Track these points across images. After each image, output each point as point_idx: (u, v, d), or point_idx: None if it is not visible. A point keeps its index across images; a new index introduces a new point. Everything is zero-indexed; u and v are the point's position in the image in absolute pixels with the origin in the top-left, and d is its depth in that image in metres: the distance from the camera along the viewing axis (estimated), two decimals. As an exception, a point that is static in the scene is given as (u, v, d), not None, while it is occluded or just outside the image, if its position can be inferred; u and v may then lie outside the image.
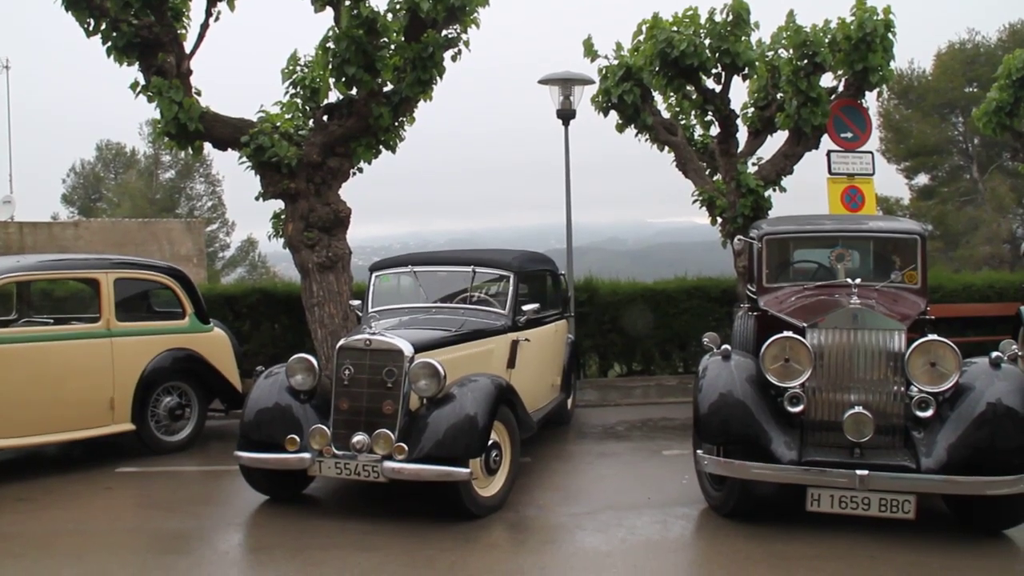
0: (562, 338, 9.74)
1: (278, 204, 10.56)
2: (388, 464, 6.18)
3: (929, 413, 5.79)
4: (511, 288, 8.12)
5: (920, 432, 5.84)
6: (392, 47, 9.92)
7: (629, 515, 6.58)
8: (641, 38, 11.99)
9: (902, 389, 5.90)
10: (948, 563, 5.56)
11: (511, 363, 7.82)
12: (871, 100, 12.43)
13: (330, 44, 9.79)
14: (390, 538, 6.11)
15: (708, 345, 6.55)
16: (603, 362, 12.65)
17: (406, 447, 6.21)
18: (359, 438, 6.29)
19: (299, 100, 10.59)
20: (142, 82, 9.72)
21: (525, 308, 8.02)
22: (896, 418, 5.91)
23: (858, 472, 5.55)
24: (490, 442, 6.52)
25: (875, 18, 11.48)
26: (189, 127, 9.66)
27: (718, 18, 11.50)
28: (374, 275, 8.68)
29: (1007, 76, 14.32)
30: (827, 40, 11.60)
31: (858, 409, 5.76)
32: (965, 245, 35.65)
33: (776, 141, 12.51)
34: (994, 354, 6.00)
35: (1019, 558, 5.79)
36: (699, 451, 6.18)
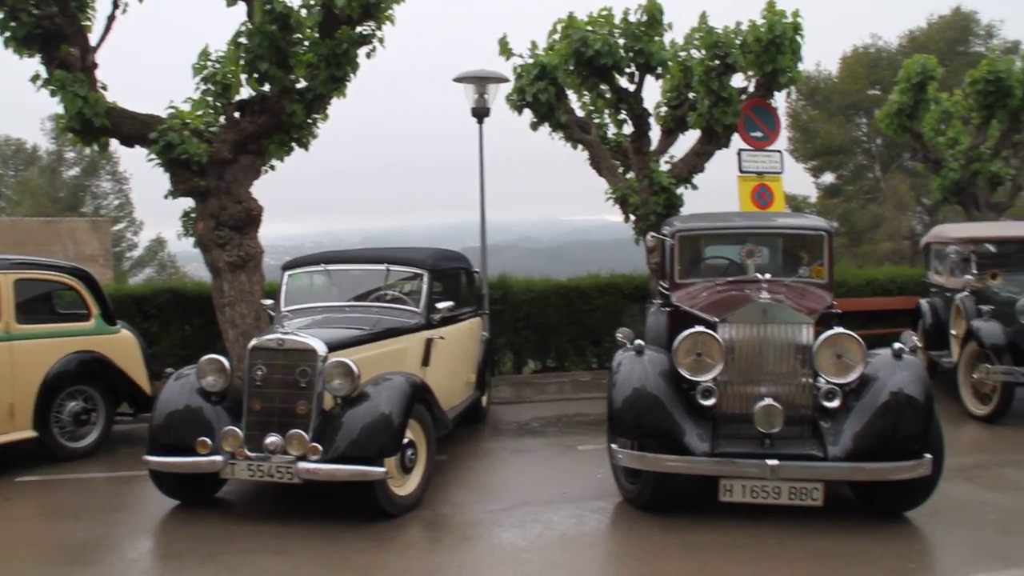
0: (476, 336, 9.75)
1: (188, 202, 10.30)
2: (302, 465, 6.10)
3: (836, 403, 5.97)
4: (425, 286, 8.09)
5: (828, 422, 6.01)
6: (306, 43, 9.79)
7: (545, 510, 6.61)
8: (556, 37, 12.06)
9: (810, 381, 6.06)
10: (854, 546, 5.76)
11: (425, 361, 7.79)
12: (780, 100, 12.71)
13: (242, 39, 9.61)
14: (305, 540, 6.03)
15: (621, 340, 6.61)
16: (518, 359, 12.69)
17: (320, 447, 6.13)
18: (272, 439, 6.19)
19: (210, 97, 10.35)
20: (44, 75, 9.39)
21: (439, 306, 7.99)
22: (805, 409, 6.07)
23: (769, 462, 5.70)
24: (405, 441, 6.49)
25: (784, 21, 11.74)
26: (94, 123, 9.37)
27: (632, 18, 11.64)
28: (286, 274, 8.55)
29: (907, 80, 14.86)
30: (738, 42, 11.82)
31: (768, 401, 5.89)
32: (868, 241, 36.79)
33: (688, 140, 12.74)
34: (896, 345, 6.22)
35: (918, 537, 6.03)
36: (613, 445, 6.25)
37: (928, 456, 5.85)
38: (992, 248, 10.53)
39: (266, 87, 9.91)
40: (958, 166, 15.04)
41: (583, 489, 7.14)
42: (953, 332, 10.76)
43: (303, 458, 6.11)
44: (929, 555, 5.88)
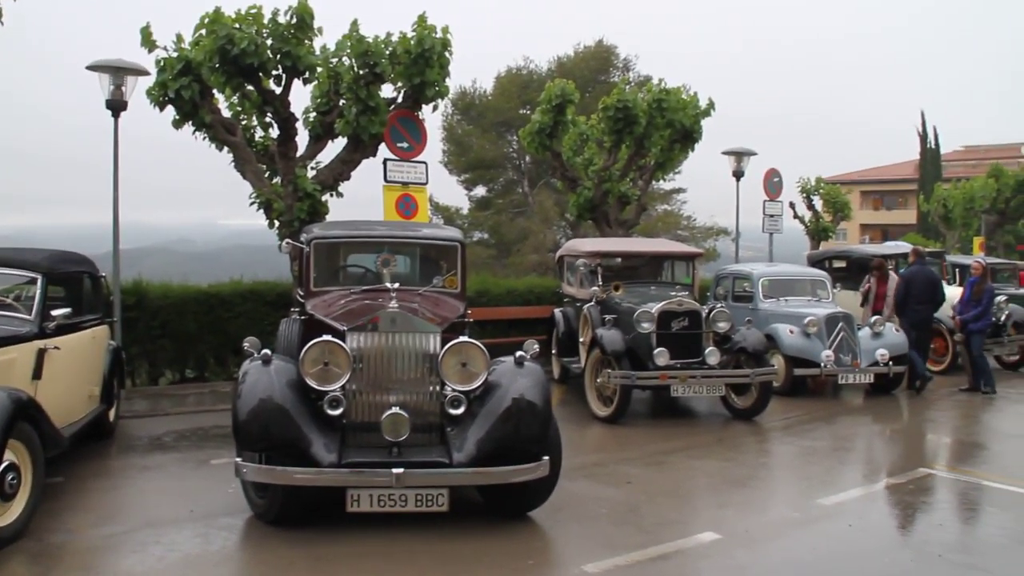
0: (102, 345, 9.01)
1: None
2: None
3: (461, 410, 6.13)
4: (39, 291, 7.33)
5: (453, 428, 6.15)
6: None
7: (169, 531, 6.24)
8: (203, 32, 11.47)
9: (437, 388, 6.17)
10: (479, 547, 5.96)
11: (37, 374, 7.05)
12: (428, 113, 12.96)
13: None
14: None
15: (248, 350, 6.37)
16: (154, 369, 11.90)
17: None
18: None
19: None
20: None
21: (55, 313, 7.28)
22: (432, 416, 6.19)
23: (394, 470, 5.70)
24: (3, 464, 5.80)
25: (434, 36, 11.98)
26: None
27: (281, 19, 11.31)
28: None
29: (548, 101, 15.75)
30: (388, 52, 11.89)
31: (395, 410, 5.92)
32: (517, 253, 38.78)
33: (337, 147, 12.62)
34: (518, 353, 6.50)
35: (539, 534, 6.37)
36: (239, 459, 5.98)
37: (546, 458, 6.15)
38: (617, 261, 11.41)
39: None
40: (592, 185, 16.17)
41: (213, 506, 6.80)
42: (581, 339, 11.53)
43: None
44: (548, 550, 6.22)
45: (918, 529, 6.75)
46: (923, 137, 53.41)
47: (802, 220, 25.68)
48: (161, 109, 11.88)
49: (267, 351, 6.26)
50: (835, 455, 9.17)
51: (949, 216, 30.63)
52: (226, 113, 12.39)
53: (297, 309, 8.23)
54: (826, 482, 8.00)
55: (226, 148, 12.12)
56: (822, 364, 11.81)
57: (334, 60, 12.09)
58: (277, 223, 11.74)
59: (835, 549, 6.21)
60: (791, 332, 12.09)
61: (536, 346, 6.73)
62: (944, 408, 11.82)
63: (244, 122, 12.88)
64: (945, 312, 14.49)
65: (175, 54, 11.64)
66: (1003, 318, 14.36)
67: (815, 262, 17.35)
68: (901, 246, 18.44)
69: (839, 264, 17.04)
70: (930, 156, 52.95)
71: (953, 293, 14.78)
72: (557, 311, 12.77)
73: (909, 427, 10.86)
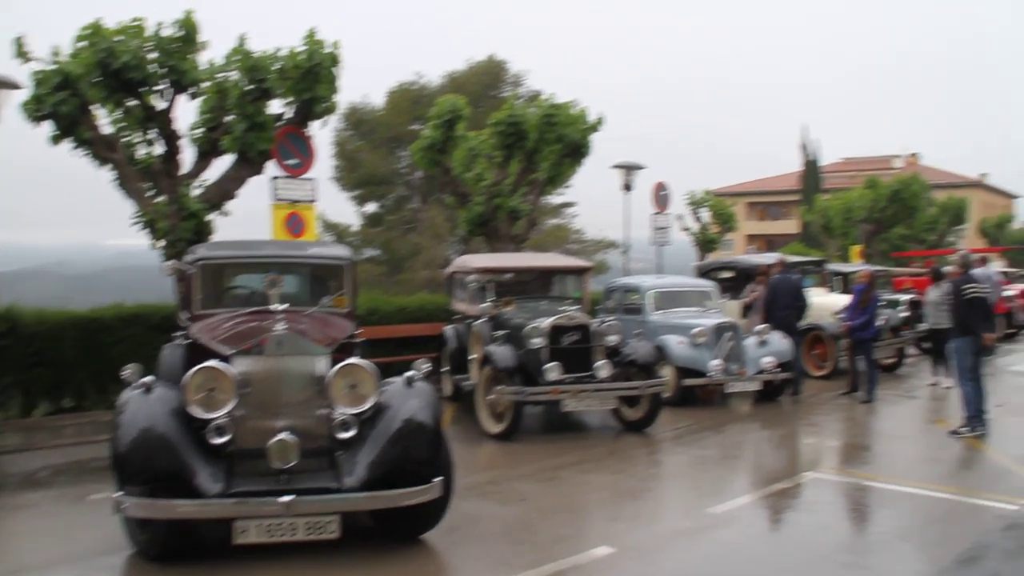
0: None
1: None
2: None
3: (350, 434, 6.01)
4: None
5: (343, 452, 6.03)
6: None
7: (44, 574, 5.95)
8: (83, 44, 11.04)
9: (326, 412, 6.05)
10: (373, 574, 5.88)
11: None
12: (317, 129, 12.75)
13: None
14: None
15: (129, 378, 6.13)
16: (28, 400, 11.32)
17: None
18: None
19: None
20: None
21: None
22: (322, 440, 6.06)
23: (283, 499, 5.54)
24: None
25: (324, 51, 11.83)
26: None
27: (166, 32, 11.00)
28: None
29: (439, 117, 15.72)
30: (277, 67, 11.69)
31: (283, 435, 5.77)
32: (408, 269, 38.59)
33: (224, 164, 12.32)
34: (408, 373, 6.42)
35: (433, 557, 6.32)
36: (119, 493, 5.72)
37: (439, 479, 6.09)
38: (507, 277, 11.42)
39: None
40: (483, 200, 16.17)
41: (91, 544, 6.50)
42: (473, 356, 11.49)
43: None
44: (443, 573, 6.18)
45: (806, 532, 6.93)
46: (805, 149, 55.22)
47: (690, 232, 26.30)
48: (37, 124, 11.41)
49: (149, 378, 6.04)
50: (725, 463, 9.36)
51: (829, 226, 31.81)
52: (107, 129, 11.96)
53: (181, 333, 7.97)
54: (717, 490, 8.16)
55: (107, 166, 11.72)
56: (710, 373, 12.06)
57: (221, 75, 11.81)
58: (161, 243, 11.39)
59: (727, 556, 6.34)
60: (680, 343, 12.32)
61: (426, 365, 6.66)
62: (828, 412, 12.20)
63: (126, 139, 12.44)
64: (826, 319, 15.03)
65: (52, 67, 11.20)
66: (881, 323, 14.97)
67: (702, 273, 17.75)
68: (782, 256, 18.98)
69: (726, 275, 17.45)
70: (811, 168, 54.76)
71: (837, 300, 15.34)
72: (448, 328, 12.71)
73: (795, 432, 11.17)
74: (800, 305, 13.73)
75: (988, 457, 9.47)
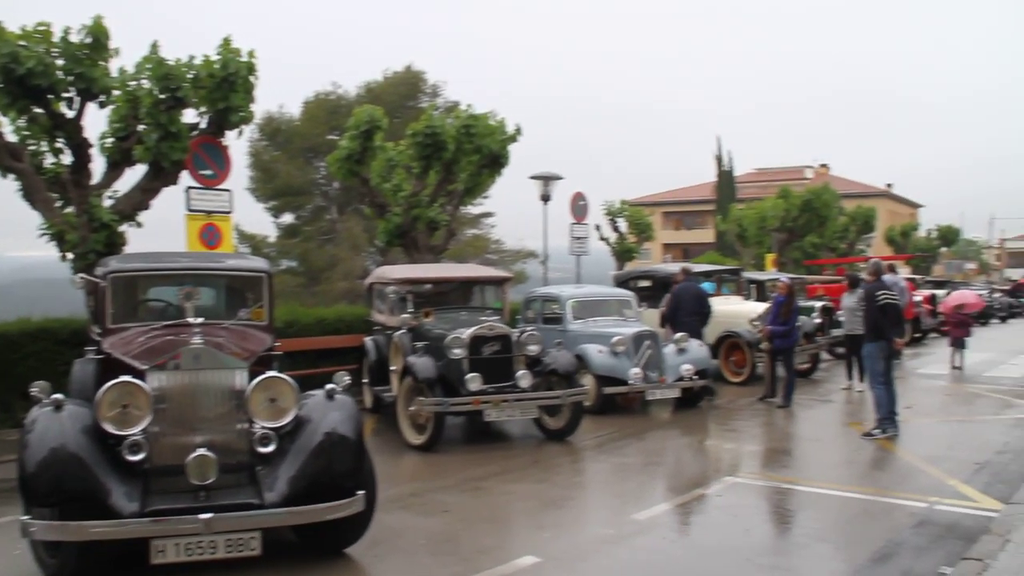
0: None
1: None
2: None
3: (271, 448, 5.90)
4: None
5: (263, 467, 5.92)
6: None
7: (-56, 605, 5.70)
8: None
9: (246, 426, 5.93)
10: (294, 591, 5.72)
11: None
12: (233, 139, 12.54)
13: None
14: None
15: (37, 395, 5.91)
16: (-74, 420, 10.84)
17: None
18: None
19: None
20: None
21: None
22: (241, 456, 5.93)
23: (202, 516, 5.41)
24: None
25: (239, 60, 11.64)
26: None
27: (74, 38, 10.66)
28: None
29: (356, 127, 15.62)
30: (191, 76, 11.46)
31: (201, 451, 5.64)
32: (326, 281, 38.18)
33: (136, 174, 12.02)
34: (329, 386, 6.34)
35: (356, 572, 6.27)
36: (26, 516, 5.49)
37: (361, 492, 6.02)
38: (427, 287, 11.37)
39: None
40: (401, 211, 16.11)
41: (-2, 570, 6.26)
42: (393, 368, 11.41)
43: None
44: (366, 587, 6.10)
45: (727, 536, 7.03)
46: (719, 160, 56.34)
47: (608, 241, 26.61)
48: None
49: (58, 396, 5.83)
50: (646, 470, 9.46)
51: (744, 235, 32.51)
52: (11, 137, 11.57)
53: (93, 348, 7.74)
54: (639, 497, 8.24)
55: (11, 175, 11.33)
56: (631, 381, 12.18)
57: (132, 83, 11.51)
58: (71, 255, 11.05)
59: (651, 562, 6.41)
60: (600, 351, 12.42)
61: (347, 378, 6.59)
62: (746, 418, 12.43)
63: (32, 147, 12.05)
64: (743, 326, 15.34)
65: (-50, 72, 10.78)
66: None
67: (621, 282, 17.96)
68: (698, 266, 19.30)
69: (644, 284, 17.69)
70: (725, 178, 55.90)
71: (753, 307, 15.67)
72: (368, 339, 12.59)
73: (715, 438, 11.35)
74: (704, 312, 14.12)
75: (899, 457, 9.78)
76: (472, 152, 16.00)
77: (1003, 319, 35.73)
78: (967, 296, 18.84)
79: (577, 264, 20.31)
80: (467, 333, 10.29)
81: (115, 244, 11.07)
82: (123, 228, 11.34)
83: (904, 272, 32.17)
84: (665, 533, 7.07)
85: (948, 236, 57.72)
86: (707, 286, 16.42)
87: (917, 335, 23.70)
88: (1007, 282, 57.13)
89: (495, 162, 16.46)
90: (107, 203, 11.44)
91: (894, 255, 44.04)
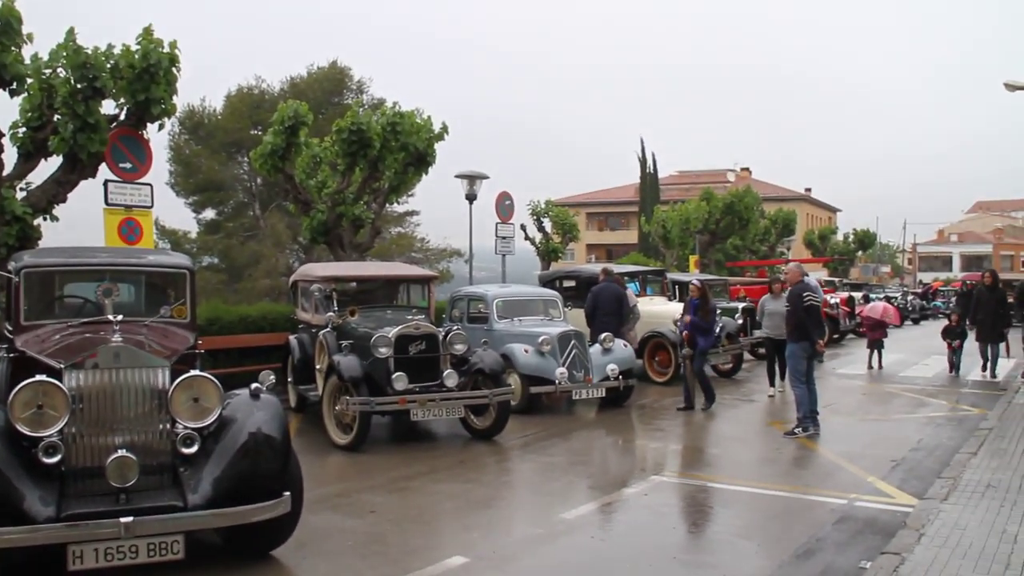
0: None
1: None
2: None
3: (194, 449, 5.75)
4: None
5: (187, 469, 5.77)
6: None
7: None
8: None
9: (168, 427, 5.76)
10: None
11: None
12: (154, 132, 12.23)
13: None
14: None
15: None
16: None
17: None
18: None
19: None
20: None
21: None
22: (163, 457, 5.76)
23: (122, 520, 5.22)
24: None
25: (161, 51, 11.37)
26: None
27: (-17, 23, 10.33)
28: None
29: (281, 123, 15.37)
30: (110, 65, 11.17)
31: (121, 452, 5.46)
32: (248, 278, 37.55)
33: (51, 166, 11.64)
34: (254, 385, 6.20)
35: (285, 574, 6.14)
36: None
37: (287, 493, 5.90)
38: (352, 285, 11.23)
39: None
40: (326, 208, 15.93)
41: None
42: (318, 366, 11.26)
43: None
44: (293, 590, 5.99)
45: (653, 534, 7.09)
46: (643, 162, 57.02)
47: (533, 241, 26.70)
48: None
49: (-31, 396, 5.61)
50: (573, 469, 9.49)
51: (668, 236, 32.94)
52: (-84, 127, 11.12)
53: (5, 346, 7.46)
54: (567, 496, 8.25)
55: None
56: (557, 381, 12.21)
57: (47, 71, 11.13)
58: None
59: (579, 561, 6.42)
60: (526, 351, 12.43)
61: (272, 377, 6.47)
62: (670, 418, 12.57)
63: (-62, 137, 11.61)
64: (667, 326, 15.51)
65: None
66: (717, 330, 15.53)
67: (546, 282, 18.02)
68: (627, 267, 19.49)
69: (569, 284, 17.79)
70: (649, 180, 56.60)
71: (677, 308, 15.83)
72: (292, 338, 12.41)
73: (640, 438, 11.45)
74: (624, 312, 14.31)
75: (820, 455, 10.00)
76: (398, 150, 15.91)
77: (915, 321, 36.87)
78: (888, 311, 19.02)
79: (503, 263, 20.34)
80: (393, 332, 10.19)
81: (29, 238, 10.74)
82: (37, 221, 11.02)
83: (822, 275, 32.99)
84: (593, 532, 7.09)
85: (864, 240, 59.38)
86: (632, 287, 16.59)
87: (835, 336, 24.28)
88: (920, 285, 59.06)
89: (421, 160, 16.39)
90: (20, 195, 11.05)
91: (812, 258, 45.14)
